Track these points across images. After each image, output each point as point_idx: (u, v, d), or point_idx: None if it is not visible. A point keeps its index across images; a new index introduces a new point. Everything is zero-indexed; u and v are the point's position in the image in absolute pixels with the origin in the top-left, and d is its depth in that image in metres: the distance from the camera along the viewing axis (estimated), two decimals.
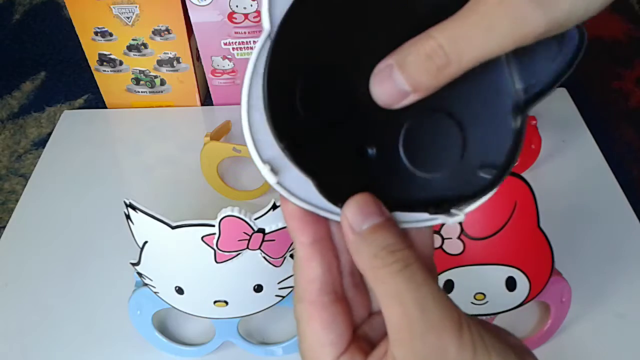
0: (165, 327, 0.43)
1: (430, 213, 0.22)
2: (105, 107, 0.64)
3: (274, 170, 0.22)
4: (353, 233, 0.21)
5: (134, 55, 0.59)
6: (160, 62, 0.59)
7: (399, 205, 0.22)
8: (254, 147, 0.22)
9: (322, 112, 0.22)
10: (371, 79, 0.20)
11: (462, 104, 0.22)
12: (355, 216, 0.21)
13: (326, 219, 0.22)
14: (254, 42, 0.56)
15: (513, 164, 0.21)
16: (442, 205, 0.22)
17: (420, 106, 0.20)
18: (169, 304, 0.37)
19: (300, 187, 0.22)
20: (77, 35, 0.57)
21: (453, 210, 0.22)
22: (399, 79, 0.19)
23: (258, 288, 0.36)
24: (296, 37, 0.21)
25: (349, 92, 0.22)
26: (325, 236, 0.23)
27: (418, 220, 0.23)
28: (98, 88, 0.62)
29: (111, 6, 0.54)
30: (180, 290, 0.35)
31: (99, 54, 0.59)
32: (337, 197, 0.22)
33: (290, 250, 0.34)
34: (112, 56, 0.59)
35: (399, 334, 0.20)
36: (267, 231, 0.32)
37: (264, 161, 0.22)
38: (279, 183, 0.22)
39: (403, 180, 0.23)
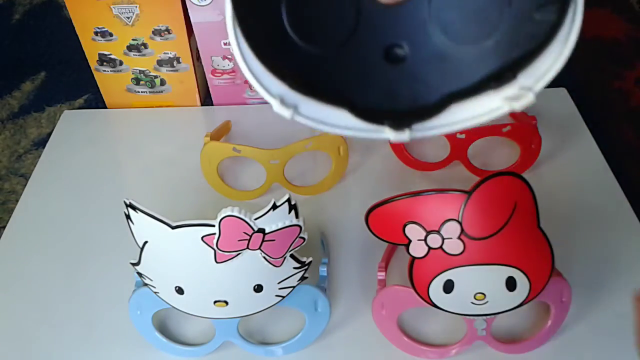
0: (165, 327, 0.43)
1: (495, 87, 0.19)
2: (105, 107, 0.64)
3: (286, 104, 0.19)
4: None
5: (134, 55, 0.59)
6: (160, 62, 0.59)
7: (458, 95, 0.19)
8: (258, 85, 0.20)
9: (323, 32, 0.20)
10: None
11: None
12: None
13: None
14: None
15: None
16: (505, 73, 0.19)
17: None
18: (169, 304, 0.37)
19: (325, 111, 0.20)
20: (77, 35, 0.57)
21: (522, 80, 0.19)
22: None
23: (258, 288, 0.36)
24: None
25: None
26: None
27: (483, 113, 0.19)
28: (98, 88, 0.62)
29: (111, 6, 0.54)
30: (180, 290, 0.35)
31: (99, 54, 0.59)
32: (382, 116, 0.19)
33: (290, 250, 0.34)
34: (112, 56, 0.59)
35: None
36: (267, 231, 0.32)
37: (274, 95, 0.20)
38: (297, 114, 0.20)
39: (451, 67, 0.20)
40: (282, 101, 0.19)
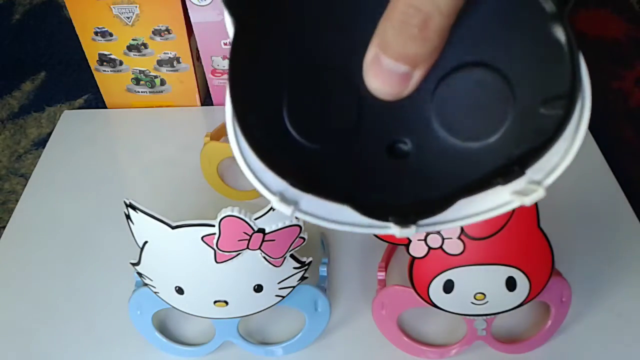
0: (165, 327, 0.43)
1: (502, 183, 0.18)
2: (105, 107, 0.64)
3: (286, 201, 0.19)
4: None
5: (134, 55, 0.59)
6: (160, 62, 0.59)
7: (464, 191, 0.19)
8: (258, 182, 0.19)
9: (324, 129, 0.19)
10: (364, 77, 0.18)
11: (485, 45, 0.18)
12: None
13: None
14: None
15: (580, 84, 0.18)
16: (512, 169, 0.18)
17: (435, 75, 0.18)
18: (169, 304, 0.37)
19: (327, 206, 0.19)
20: (77, 35, 0.57)
21: (530, 175, 0.18)
22: (390, 63, 0.17)
23: (258, 288, 0.36)
24: (264, 43, 0.18)
25: (348, 95, 0.19)
26: None
27: (491, 208, 0.19)
28: (98, 88, 0.62)
29: (111, 6, 0.54)
30: (180, 290, 0.35)
31: (99, 54, 0.59)
32: (386, 213, 0.19)
33: (290, 250, 0.34)
34: (112, 56, 0.59)
35: None
36: (267, 231, 0.32)
37: (274, 193, 0.19)
38: (298, 211, 0.19)
39: (456, 163, 0.19)
40: (282, 197, 0.19)
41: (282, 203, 0.19)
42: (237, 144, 0.19)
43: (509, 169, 0.18)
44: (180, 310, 0.37)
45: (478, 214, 0.19)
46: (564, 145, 0.19)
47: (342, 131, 0.19)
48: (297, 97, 0.19)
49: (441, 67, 0.18)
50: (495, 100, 0.18)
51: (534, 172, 0.19)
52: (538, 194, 0.18)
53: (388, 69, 0.17)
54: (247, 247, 0.33)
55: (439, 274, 0.35)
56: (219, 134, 0.55)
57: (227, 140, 0.60)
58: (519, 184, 0.19)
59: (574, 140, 0.19)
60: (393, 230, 0.19)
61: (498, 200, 0.19)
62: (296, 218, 0.32)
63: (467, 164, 0.19)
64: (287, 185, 0.19)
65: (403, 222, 0.18)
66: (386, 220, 0.19)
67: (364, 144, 0.19)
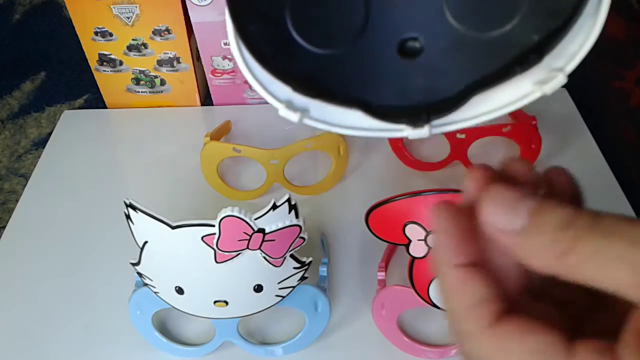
0: (165, 327, 0.43)
1: (520, 71, 0.17)
2: (105, 107, 0.64)
3: (293, 108, 0.19)
4: (511, 236, 0.17)
5: (134, 55, 0.59)
6: (160, 62, 0.59)
7: (480, 85, 0.18)
8: (266, 92, 0.19)
9: (330, 32, 0.19)
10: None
11: None
12: (504, 218, 0.17)
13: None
14: None
15: None
16: (530, 56, 0.17)
17: None
18: (169, 304, 0.37)
19: (337, 112, 0.19)
20: (77, 35, 0.57)
21: (551, 61, 0.17)
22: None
23: (258, 288, 0.36)
24: None
25: None
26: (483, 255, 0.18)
27: (509, 102, 0.18)
28: (98, 88, 0.62)
29: (111, 6, 0.54)
30: (180, 290, 0.35)
31: (99, 54, 0.59)
32: (399, 114, 0.18)
33: (290, 250, 0.34)
34: (112, 56, 0.59)
35: None
36: (267, 231, 0.32)
37: (281, 101, 0.19)
38: (307, 118, 0.19)
39: (470, 56, 0.18)
40: (289, 105, 0.19)
41: (289, 110, 0.18)
42: (240, 56, 0.19)
43: (526, 57, 0.17)
44: (180, 310, 0.37)
45: (495, 109, 0.18)
46: (585, 25, 0.18)
47: (350, 32, 0.19)
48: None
49: None
50: None
51: (554, 58, 0.18)
52: (558, 80, 0.17)
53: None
54: (247, 247, 0.33)
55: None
56: (219, 134, 0.55)
57: (227, 140, 0.60)
58: (539, 73, 0.18)
59: (596, 19, 0.17)
60: (406, 132, 0.18)
61: (516, 93, 0.18)
62: (296, 217, 0.32)
63: (482, 56, 0.18)
64: (295, 93, 0.18)
65: (416, 122, 0.18)
66: (398, 122, 0.18)
67: (373, 44, 0.18)
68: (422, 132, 0.18)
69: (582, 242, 0.15)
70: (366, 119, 0.18)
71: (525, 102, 0.18)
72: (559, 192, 0.19)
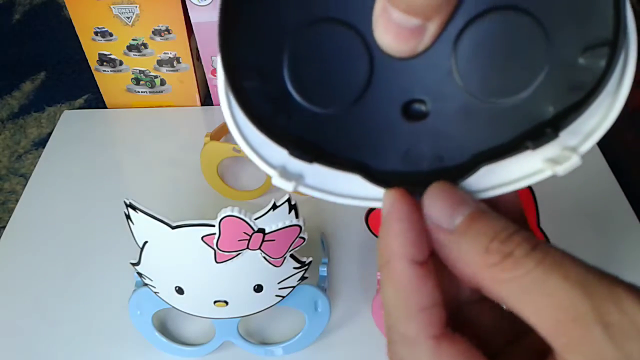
0: (165, 327, 0.43)
1: (532, 147, 0.16)
2: (105, 107, 0.64)
3: (287, 175, 0.17)
4: (446, 233, 0.16)
5: (134, 55, 0.59)
6: (160, 62, 0.59)
7: (488, 156, 0.16)
8: (256, 156, 0.17)
9: (331, 90, 0.17)
10: (374, 32, 0.16)
11: None
12: (441, 212, 0.16)
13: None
14: None
15: (624, 29, 0.15)
16: (544, 131, 0.16)
17: (457, 22, 0.15)
18: (169, 304, 0.37)
19: (335, 179, 0.17)
20: (77, 35, 0.57)
21: (564, 139, 0.16)
22: (399, 16, 0.15)
23: (258, 288, 0.36)
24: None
25: (358, 51, 0.17)
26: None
27: (518, 178, 0.17)
28: (98, 88, 0.62)
29: (111, 6, 0.54)
30: (180, 290, 0.35)
31: (99, 54, 0.59)
32: (401, 182, 0.17)
33: (290, 250, 0.34)
34: (112, 56, 0.59)
35: (565, 333, 0.14)
36: (267, 231, 0.32)
37: (274, 167, 0.17)
38: (302, 186, 0.17)
39: (479, 125, 0.17)
40: (284, 172, 0.17)
41: (282, 179, 0.17)
42: (231, 114, 0.17)
43: (540, 131, 0.16)
44: (180, 310, 0.37)
45: (503, 184, 0.17)
46: (605, 102, 0.16)
47: (352, 91, 0.17)
48: (300, 54, 0.17)
49: (463, 13, 0.16)
50: (527, 50, 0.16)
51: (568, 135, 0.17)
52: (572, 162, 0.16)
53: (397, 22, 0.15)
54: (247, 247, 0.33)
55: None
56: (219, 134, 0.55)
57: (227, 140, 0.60)
58: (551, 149, 0.17)
59: (617, 97, 0.16)
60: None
61: (526, 169, 0.17)
62: (296, 217, 0.32)
63: (492, 126, 0.17)
64: (289, 157, 0.17)
65: (419, 192, 0.17)
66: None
67: (376, 106, 0.17)
68: None
69: (519, 264, 0.15)
70: (365, 187, 0.17)
71: (535, 179, 0.17)
72: (504, 210, 0.18)
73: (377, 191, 0.17)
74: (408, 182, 0.17)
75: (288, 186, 0.17)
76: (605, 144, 0.55)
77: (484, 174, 0.17)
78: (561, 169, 0.16)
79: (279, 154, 0.17)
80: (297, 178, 0.18)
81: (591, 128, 0.17)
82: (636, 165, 0.54)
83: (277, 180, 0.17)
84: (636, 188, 0.52)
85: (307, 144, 0.17)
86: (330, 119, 0.17)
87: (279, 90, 0.17)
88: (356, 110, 0.17)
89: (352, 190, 0.17)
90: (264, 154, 0.18)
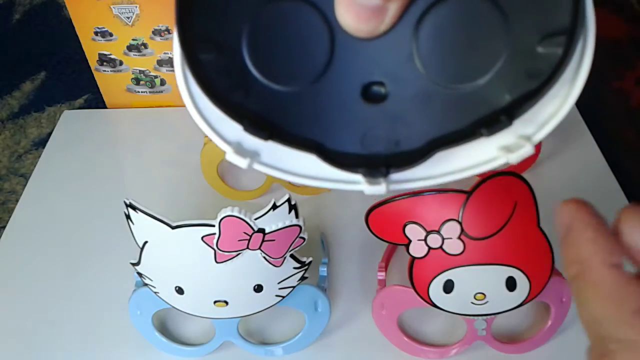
0: (165, 327, 0.43)
1: (487, 134, 0.16)
2: (105, 107, 0.64)
3: (242, 152, 0.17)
4: None
5: (134, 55, 0.59)
6: (160, 62, 0.59)
7: (443, 141, 0.17)
8: (211, 131, 0.17)
9: (291, 68, 0.17)
10: (335, 11, 0.16)
11: None
12: None
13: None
14: None
15: (582, 18, 0.15)
16: (499, 118, 0.16)
17: (418, 6, 0.16)
18: (169, 304, 0.37)
19: (291, 158, 0.17)
20: (77, 35, 0.57)
21: (520, 128, 0.16)
22: None
23: (258, 288, 0.36)
24: None
25: (319, 30, 0.17)
26: None
27: (472, 165, 0.17)
28: (98, 88, 0.62)
29: (111, 6, 0.54)
30: (180, 290, 0.35)
31: (99, 54, 0.59)
32: (356, 163, 0.17)
33: (290, 250, 0.34)
34: (112, 56, 0.59)
35: None
36: (267, 231, 0.32)
37: (229, 143, 0.17)
38: (257, 163, 0.17)
39: (436, 110, 0.17)
40: (239, 148, 0.17)
41: (237, 155, 0.17)
42: (186, 87, 0.17)
43: (495, 119, 0.16)
44: (180, 310, 0.37)
45: (456, 171, 0.17)
46: (561, 92, 0.17)
47: (312, 71, 0.17)
48: (260, 30, 0.17)
49: None
50: (487, 36, 0.16)
51: (524, 124, 0.17)
52: (525, 150, 0.16)
53: (359, 1, 0.15)
54: (247, 247, 0.33)
55: (439, 274, 0.35)
56: None
57: None
58: (506, 137, 0.17)
59: (573, 87, 0.17)
60: (362, 186, 0.17)
61: (481, 156, 0.17)
62: (296, 217, 0.32)
63: (449, 112, 0.17)
64: (244, 134, 0.17)
65: (373, 174, 0.17)
66: (354, 171, 0.17)
67: (335, 86, 0.17)
68: (379, 188, 0.17)
69: None
70: (321, 167, 0.17)
71: (489, 166, 0.17)
72: None
73: (332, 172, 0.17)
74: (363, 164, 0.17)
75: (242, 163, 0.17)
76: (605, 144, 0.55)
77: (438, 159, 0.17)
78: (514, 157, 0.16)
79: (235, 130, 0.17)
80: (253, 155, 0.17)
81: (547, 117, 0.17)
82: (636, 165, 0.54)
83: (232, 156, 0.17)
84: (636, 188, 0.52)
85: (264, 121, 0.17)
86: (289, 97, 0.17)
87: (237, 65, 0.17)
88: (315, 89, 0.17)
89: (308, 169, 0.17)
90: (220, 129, 0.17)
